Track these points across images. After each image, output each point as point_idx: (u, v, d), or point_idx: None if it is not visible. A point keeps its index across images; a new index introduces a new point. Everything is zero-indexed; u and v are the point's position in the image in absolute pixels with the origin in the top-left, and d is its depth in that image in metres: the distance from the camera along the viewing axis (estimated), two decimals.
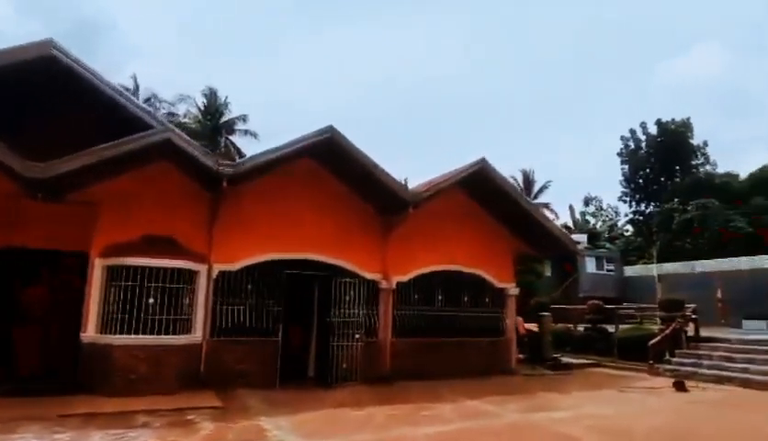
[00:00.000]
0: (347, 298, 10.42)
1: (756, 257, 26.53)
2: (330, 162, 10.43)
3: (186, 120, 34.95)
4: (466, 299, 12.52)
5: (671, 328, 13.64)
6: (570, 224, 44.18)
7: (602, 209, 49.43)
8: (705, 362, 12.68)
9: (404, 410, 7.81)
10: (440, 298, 12.20)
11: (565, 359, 15.00)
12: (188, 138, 8.76)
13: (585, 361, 14.96)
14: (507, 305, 13.05)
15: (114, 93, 8.60)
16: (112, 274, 8.48)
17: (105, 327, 8.37)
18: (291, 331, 10.79)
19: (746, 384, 11.05)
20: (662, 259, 31.38)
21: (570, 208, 45.89)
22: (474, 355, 12.14)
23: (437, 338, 11.81)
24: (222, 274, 9.48)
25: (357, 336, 10.45)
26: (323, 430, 6.55)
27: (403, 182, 24.64)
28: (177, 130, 8.68)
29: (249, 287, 9.77)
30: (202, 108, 37.10)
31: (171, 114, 33.46)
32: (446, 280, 12.26)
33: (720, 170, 37.03)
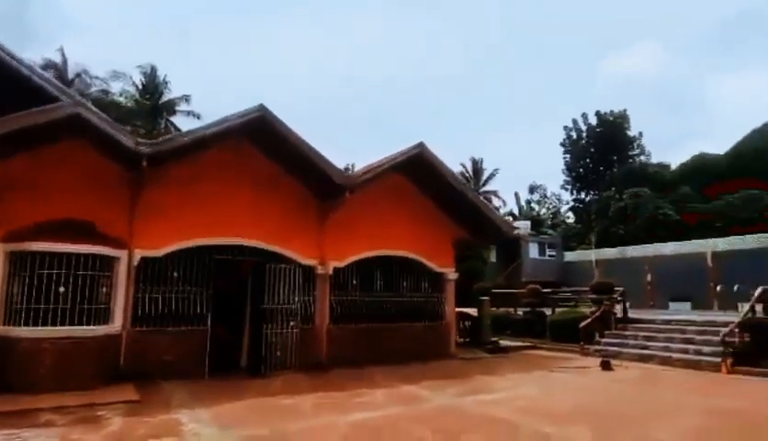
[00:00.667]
0: (282, 284, 10.12)
1: (681, 243, 28.26)
2: (263, 143, 10.01)
3: (122, 99, 32.96)
4: (405, 284, 12.50)
5: (600, 310, 14.25)
6: (516, 211, 45.52)
7: (546, 196, 51.19)
8: (631, 342, 13.32)
9: (336, 397, 7.67)
10: (380, 283, 12.11)
11: (504, 342, 15.36)
12: (104, 115, 8.06)
13: (523, 344, 15.39)
14: (446, 290, 13.15)
15: (10, 59, 7.74)
16: (17, 260, 7.76)
17: (9, 319, 7.66)
18: (222, 319, 10.38)
19: (666, 362, 11.69)
20: (600, 245, 32.88)
21: (516, 195, 47.28)
22: (413, 340, 12.17)
23: (376, 324, 11.75)
24: (145, 260, 8.92)
25: (293, 324, 10.19)
26: (245, 420, 6.28)
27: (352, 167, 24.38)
28: (89, 105, 7.97)
29: (175, 274, 9.27)
30: (140, 87, 35.11)
31: (104, 92, 31.41)
32: (386, 266, 12.18)
33: (654, 161, 39.15)
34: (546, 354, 14.08)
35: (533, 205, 49.34)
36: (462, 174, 60.34)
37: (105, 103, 27.60)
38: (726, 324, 11.62)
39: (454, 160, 48.41)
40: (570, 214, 45.25)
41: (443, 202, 12.94)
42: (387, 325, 11.94)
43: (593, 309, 14.91)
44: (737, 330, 11.21)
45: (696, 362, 11.18)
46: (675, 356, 11.76)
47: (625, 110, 39.37)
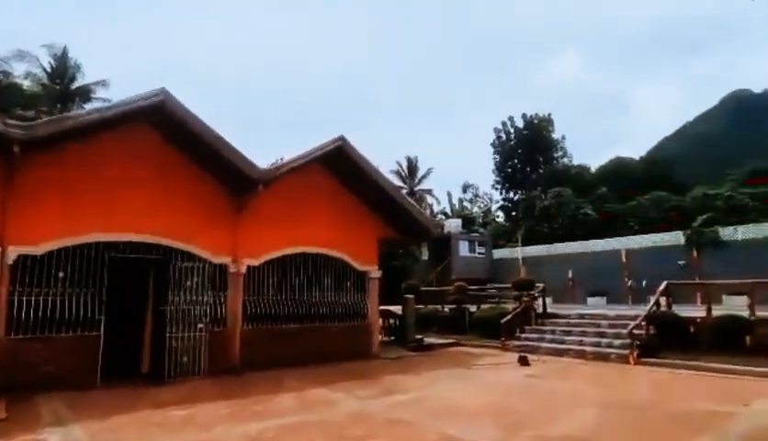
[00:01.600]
0: (189, 284, 9.38)
1: (599, 241, 29.89)
2: (167, 132, 9.21)
3: (26, 82, 29.92)
4: (327, 282, 12.08)
5: (521, 306, 14.57)
6: (448, 210, 46.35)
7: (478, 196, 52.54)
8: (548, 336, 13.71)
9: (238, 405, 7.11)
10: (300, 282, 11.61)
11: (429, 340, 15.34)
12: None
13: (447, 341, 15.43)
14: (370, 288, 12.86)
15: None
16: None
17: None
18: (120, 323, 9.46)
19: (580, 355, 12.08)
20: (526, 242, 34.09)
21: (448, 194, 48.13)
22: (335, 340, 11.79)
23: (296, 324, 11.26)
24: (22, 259, 7.89)
25: (201, 326, 9.48)
26: (128, 436, 5.61)
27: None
28: None
29: (61, 274, 8.28)
30: (48, 70, 32.07)
31: (4, 73, 28.34)
32: (306, 263, 11.71)
33: (576, 163, 41.31)
34: (468, 350, 14.18)
35: (465, 204, 50.55)
36: (398, 172, 60.67)
37: (2, 85, 24.85)
38: (635, 318, 12.19)
39: (391, 159, 48.58)
40: (500, 213, 46.75)
41: (367, 199, 12.65)
42: (307, 326, 11.48)
43: (515, 305, 15.24)
44: (643, 323, 11.78)
45: (607, 355, 11.64)
46: (588, 349, 12.19)
47: (549, 114, 41.31)
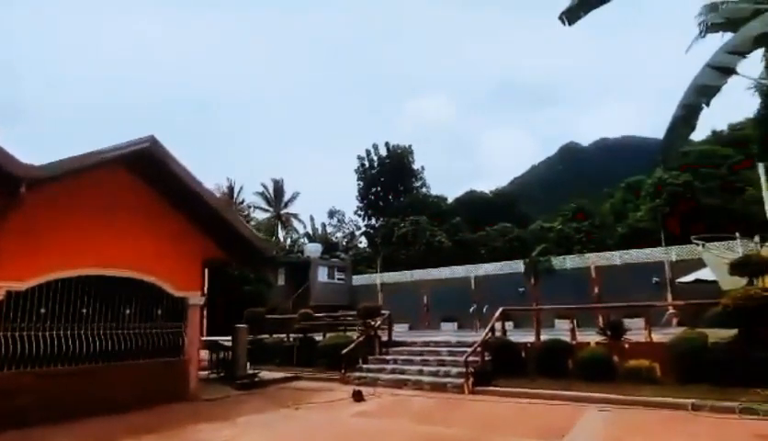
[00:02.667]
0: None
1: (451, 268, 31.04)
2: None
3: None
4: (130, 311, 9.94)
5: (364, 335, 13.77)
6: (311, 234, 45.14)
7: (344, 222, 52.23)
8: (390, 367, 13.03)
9: None
10: (92, 310, 9.33)
11: (266, 374, 13.74)
12: None
13: (285, 375, 13.94)
14: (189, 318, 10.97)
15: None
16: None
17: None
18: None
19: (418, 386, 11.51)
20: (385, 269, 34.20)
21: (311, 218, 47.03)
22: (140, 382, 9.69)
23: (86, 364, 8.98)
24: None
25: None
26: None
27: None
28: None
29: None
30: None
31: None
32: (103, 288, 9.49)
33: (434, 193, 43.22)
34: (307, 385, 12.87)
35: (329, 229, 49.85)
36: (263, 194, 58.12)
37: None
38: (473, 345, 12.04)
39: (256, 180, 46.19)
40: (364, 239, 46.88)
41: (191, 214, 10.89)
42: (102, 366, 9.25)
43: (360, 333, 14.40)
44: (479, 349, 11.66)
45: (444, 385, 11.21)
46: (426, 379, 11.69)
47: (410, 146, 42.90)
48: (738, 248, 14.16)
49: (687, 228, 23.99)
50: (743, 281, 10.78)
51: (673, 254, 23.95)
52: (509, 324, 21.68)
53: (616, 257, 26.12)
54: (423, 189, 42.48)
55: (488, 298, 24.63)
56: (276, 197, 58.29)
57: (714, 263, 13.45)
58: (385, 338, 14.80)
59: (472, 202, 40.76)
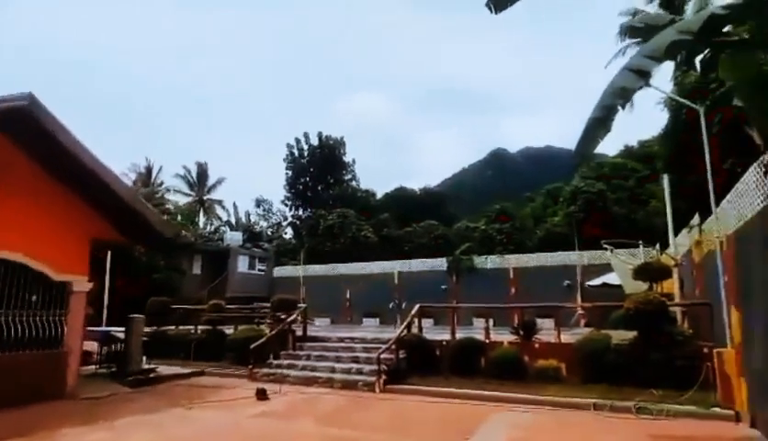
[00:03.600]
0: None
1: (377, 263, 30.82)
2: None
3: None
4: None
5: (277, 328, 13.03)
6: (234, 222, 43.18)
7: (271, 211, 50.47)
8: (302, 363, 12.40)
9: None
10: None
11: (167, 369, 12.62)
12: None
13: (187, 371, 12.86)
14: (72, 305, 9.68)
15: None
16: None
17: None
18: None
19: (329, 384, 10.99)
20: (310, 261, 33.31)
21: (234, 205, 45.04)
22: (6, 376, 8.34)
23: None
24: None
25: None
26: None
27: None
28: None
29: None
30: None
31: None
32: None
33: (364, 187, 42.85)
34: (209, 382, 11.92)
35: (254, 218, 47.95)
36: (185, 177, 54.85)
37: None
38: (388, 341, 11.72)
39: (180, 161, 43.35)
40: (290, 230, 45.54)
41: (79, 188, 9.59)
42: None
43: (273, 327, 13.63)
44: (393, 346, 11.35)
45: (355, 383, 10.77)
46: (338, 377, 11.21)
47: (342, 137, 42.14)
48: (640, 255, 14.98)
49: (599, 234, 25.35)
50: (644, 286, 11.32)
51: (585, 258, 25.24)
52: (429, 322, 21.95)
53: (533, 259, 27.14)
54: (354, 183, 41.95)
55: (411, 294, 24.61)
56: (199, 181, 55.26)
57: (619, 267, 14.13)
58: (300, 333, 14.14)
59: (401, 199, 40.83)
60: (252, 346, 12.12)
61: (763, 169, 5.79)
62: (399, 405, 9.11)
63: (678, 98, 9.22)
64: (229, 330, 15.34)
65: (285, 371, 11.91)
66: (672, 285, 11.80)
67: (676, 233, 12.82)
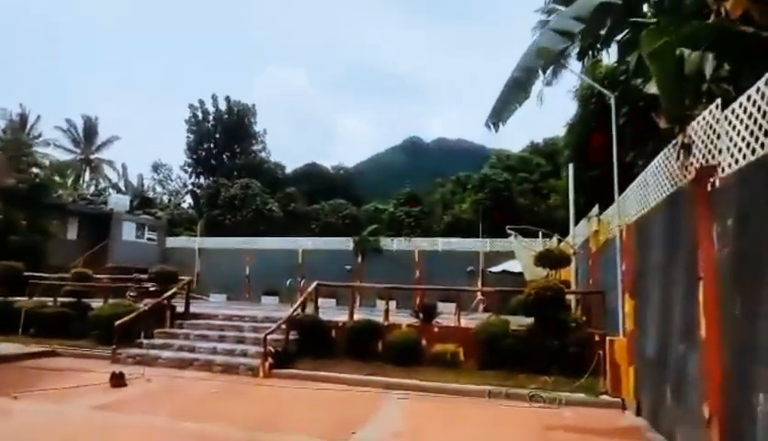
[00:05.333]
0: None
1: (280, 239, 29.31)
2: None
3: None
4: None
5: (152, 303, 11.39)
6: (123, 186, 39.05)
7: (170, 178, 46.44)
8: (179, 343, 10.92)
9: None
10: None
11: (8, 348, 10.54)
12: None
13: (37, 349, 10.84)
14: None
15: None
16: None
17: None
18: None
19: (206, 367, 9.70)
20: (209, 233, 30.92)
21: (123, 166, 40.84)
22: None
23: None
24: None
25: None
26: None
27: None
28: None
29: None
30: None
31: None
32: None
33: (273, 159, 40.64)
34: (59, 364, 10.04)
35: (150, 183, 43.79)
36: (69, 131, 48.81)
37: None
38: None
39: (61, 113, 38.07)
40: (189, 199, 42.15)
41: None
42: None
43: (148, 301, 11.92)
44: (284, 327, 10.30)
45: (236, 366, 9.59)
46: (219, 359, 9.93)
47: (254, 105, 39.43)
48: (539, 244, 15.24)
49: (503, 223, 26.03)
50: (544, 273, 11.33)
51: (488, 245, 25.83)
52: (331, 301, 21.14)
53: (439, 244, 27.31)
54: (263, 155, 39.55)
55: (314, 273, 23.56)
56: (86, 137, 49.40)
57: (522, 253, 14.23)
58: (181, 309, 12.57)
59: (312, 175, 39.30)
60: (117, 323, 10.38)
61: (676, 150, 5.51)
62: (282, 392, 8.13)
63: (593, 83, 9.11)
64: (99, 303, 13.29)
65: (157, 352, 10.38)
66: (568, 273, 11.97)
67: (576, 224, 13.11)
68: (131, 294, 11.42)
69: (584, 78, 10.23)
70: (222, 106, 37.76)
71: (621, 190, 8.76)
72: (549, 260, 11.13)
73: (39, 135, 42.84)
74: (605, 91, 8.55)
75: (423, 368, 9.71)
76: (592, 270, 11.45)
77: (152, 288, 11.30)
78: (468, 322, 11.44)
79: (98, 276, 15.54)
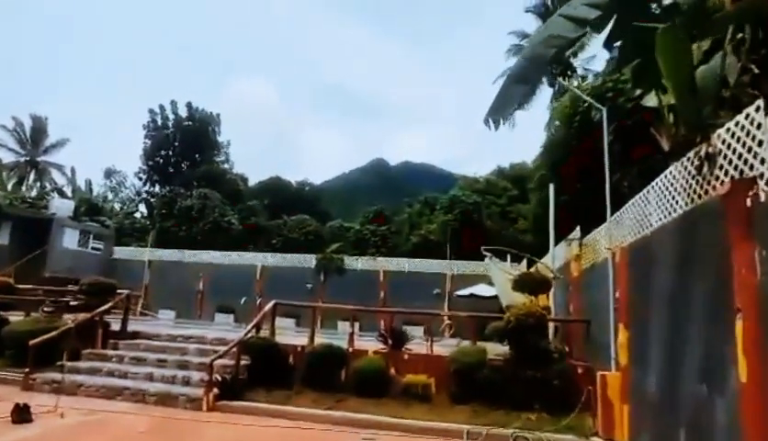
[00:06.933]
0: None
1: (238, 253, 27.68)
2: None
3: None
4: None
5: (81, 319, 9.86)
6: (69, 191, 36.43)
7: (124, 185, 43.88)
8: (109, 367, 9.41)
9: None
10: None
11: None
12: None
13: None
14: None
15: None
16: None
17: None
18: None
19: (139, 398, 8.27)
20: (161, 244, 28.94)
21: (72, 170, 38.25)
22: None
23: None
24: None
25: None
26: None
27: None
28: None
29: None
30: None
31: None
32: None
33: (240, 168, 38.99)
34: None
35: (101, 190, 41.14)
36: (15, 131, 45.79)
37: None
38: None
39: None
40: (143, 207, 39.77)
41: None
42: None
43: (52, 316, 10.32)
44: (234, 350, 9.02)
45: (175, 397, 8.21)
46: (155, 388, 8.52)
47: (218, 114, 37.80)
48: (509, 266, 14.54)
49: (472, 245, 25.43)
50: (522, 298, 10.54)
51: (455, 268, 25.10)
52: (290, 321, 19.73)
53: (405, 264, 26.40)
54: (226, 166, 37.74)
55: (273, 291, 22.14)
56: (33, 138, 46.31)
57: (498, 277, 13.44)
58: (117, 327, 11.04)
59: (275, 189, 37.84)
60: (32, 342, 8.82)
61: (698, 162, 4.80)
62: (225, 431, 6.87)
63: (584, 96, 8.56)
64: (17, 318, 11.55)
65: (81, 378, 8.86)
66: (546, 299, 11.25)
67: (543, 253, 12.50)
68: (45, 309, 9.82)
69: (576, 91, 9.69)
70: (183, 112, 36.02)
71: (599, 216, 8.13)
72: (529, 284, 10.36)
73: None
74: (597, 104, 7.95)
75: (391, 401, 8.65)
76: (573, 296, 10.75)
77: (72, 303, 9.72)
78: (439, 348, 10.49)
79: (32, 287, 13.74)
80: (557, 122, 13.25)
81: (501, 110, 5.01)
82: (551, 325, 10.67)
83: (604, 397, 7.28)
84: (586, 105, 10.49)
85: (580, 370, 9.00)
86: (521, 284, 10.46)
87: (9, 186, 32.41)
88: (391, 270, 25.74)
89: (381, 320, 21.58)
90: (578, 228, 10.66)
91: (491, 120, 4.73)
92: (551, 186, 11.53)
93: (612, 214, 7.91)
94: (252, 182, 40.04)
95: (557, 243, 11.43)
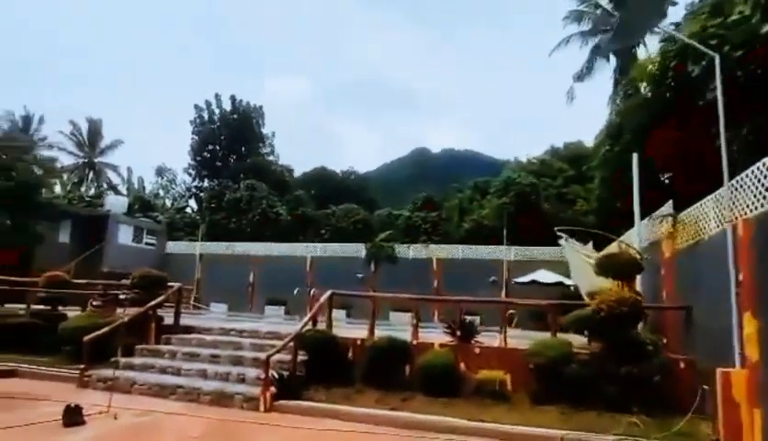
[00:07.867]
0: None
1: (288, 244, 27.41)
2: None
3: None
4: None
5: (134, 314, 9.49)
6: (124, 190, 37.46)
7: (175, 182, 44.85)
8: (162, 363, 8.98)
9: None
10: None
11: None
12: None
13: None
14: None
15: None
16: None
17: None
18: None
19: (193, 397, 7.73)
20: (211, 238, 29.14)
21: (129, 170, 39.26)
22: None
23: None
24: None
25: None
26: None
27: None
28: None
29: None
30: None
31: None
32: None
33: (282, 162, 38.85)
34: (16, 387, 8.13)
35: (153, 187, 42.15)
36: (73, 135, 47.60)
37: None
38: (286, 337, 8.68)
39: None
40: (193, 202, 40.42)
41: None
42: None
43: (102, 310, 9.99)
44: (291, 345, 8.36)
45: (231, 396, 7.61)
46: (209, 386, 7.96)
47: (261, 106, 37.69)
48: (590, 248, 13.13)
49: (528, 229, 23.97)
50: (607, 283, 9.30)
51: (512, 253, 23.78)
52: (342, 313, 19.14)
53: (459, 251, 25.29)
54: (271, 158, 37.72)
55: (323, 282, 21.60)
56: (90, 141, 48.08)
57: (575, 260, 12.17)
58: (170, 321, 10.68)
59: (321, 179, 37.50)
60: (86, 338, 8.48)
61: None
62: (285, 436, 6.16)
63: (691, 42, 7.19)
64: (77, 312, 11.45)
65: (134, 375, 8.46)
66: (633, 283, 9.94)
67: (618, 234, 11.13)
68: (94, 304, 9.51)
69: (680, 36, 8.29)
70: (228, 106, 36.13)
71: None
72: (613, 267, 9.10)
73: (45, 137, 41.55)
74: (709, 51, 6.61)
75: (462, 401, 7.76)
76: (666, 280, 9.42)
77: (122, 296, 9.34)
78: (510, 341, 9.47)
79: (92, 282, 13.75)
80: (640, 83, 11.69)
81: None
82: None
83: (725, 398, 6.06)
84: (677, 59, 9.05)
85: (682, 365, 7.79)
86: (604, 267, 9.21)
87: (68, 187, 33.54)
88: (444, 257, 24.73)
89: (435, 310, 20.71)
90: (669, 202, 9.30)
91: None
92: (635, 156, 10.16)
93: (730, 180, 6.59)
94: (296, 173, 39.86)
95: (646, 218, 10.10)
